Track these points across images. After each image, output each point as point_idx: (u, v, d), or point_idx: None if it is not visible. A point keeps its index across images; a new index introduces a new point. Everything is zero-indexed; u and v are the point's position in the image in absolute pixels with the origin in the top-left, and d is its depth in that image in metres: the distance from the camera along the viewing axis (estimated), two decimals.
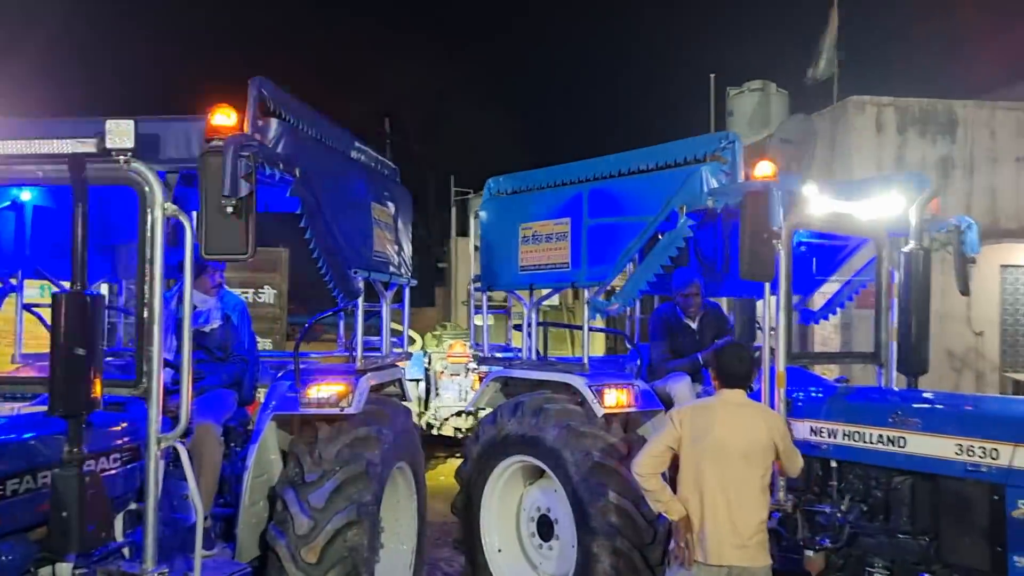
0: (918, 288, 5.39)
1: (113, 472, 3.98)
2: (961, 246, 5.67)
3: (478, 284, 6.79)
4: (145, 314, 3.76)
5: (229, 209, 3.46)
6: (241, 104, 3.88)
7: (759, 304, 5.84)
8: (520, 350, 6.66)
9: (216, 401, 5.03)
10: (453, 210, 23.87)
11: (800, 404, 5.19)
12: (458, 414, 12.49)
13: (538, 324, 6.49)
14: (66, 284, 3.69)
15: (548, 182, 6.21)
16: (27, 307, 5.34)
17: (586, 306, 5.86)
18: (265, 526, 4.84)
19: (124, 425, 4.11)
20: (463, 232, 21.97)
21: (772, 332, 5.02)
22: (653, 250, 5.25)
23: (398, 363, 6.16)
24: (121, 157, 3.60)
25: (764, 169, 4.65)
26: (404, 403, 6.11)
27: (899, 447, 4.68)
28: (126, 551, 4.04)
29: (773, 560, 4.32)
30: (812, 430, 5.09)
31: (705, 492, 4.18)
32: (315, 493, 4.69)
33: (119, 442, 4.06)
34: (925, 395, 5.31)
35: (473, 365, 11.01)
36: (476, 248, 6.91)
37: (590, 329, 5.98)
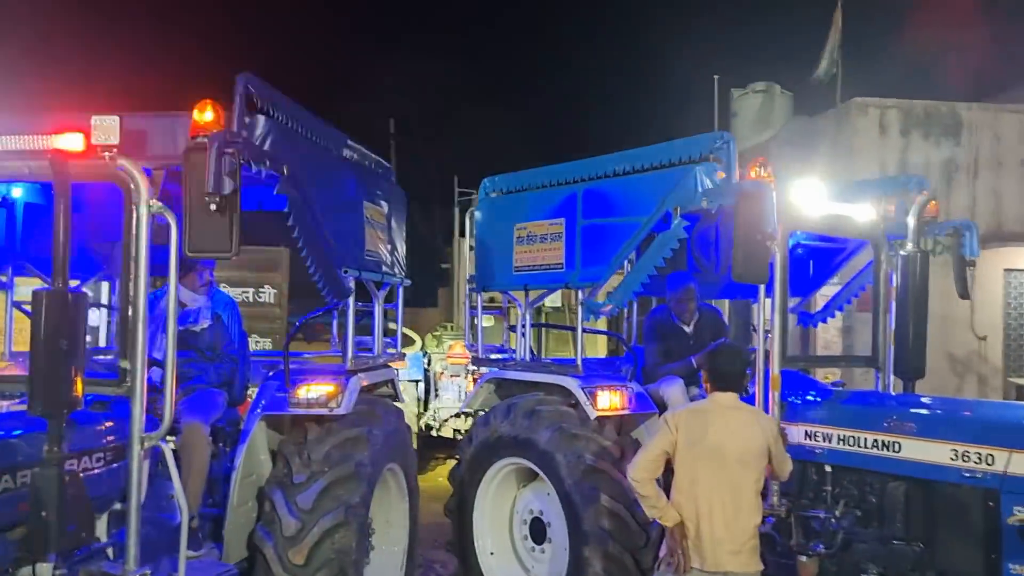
0: (916, 291, 5.33)
1: (96, 472, 3.94)
2: (960, 249, 5.61)
3: (473, 285, 6.76)
4: (130, 312, 3.73)
5: (213, 206, 3.43)
6: (231, 101, 3.85)
7: (754, 307, 5.78)
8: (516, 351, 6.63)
9: (205, 401, 4.99)
10: (456, 210, 23.85)
11: (795, 408, 5.14)
12: (458, 415, 12.44)
13: (532, 325, 6.44)
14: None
15: (543, 182, 6.16)
16: (17, 305, 5.31)
17: (580, 307, 5.81)
18: (253, 527, 4.81)
19: (109, 424, 4.08)
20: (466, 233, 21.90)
21: (767, 335, 4.97)
22: (647, 251, 5.21)
23: (391, 364, 6.12)
24: (107, 154, 3.57)
25: (758, 170, 4.60)
26: (397, 404, 6.07)
27: (894, 452, 4.63)
28: (110, 551, 4.01)
29: (766, 566, 4.28)
30: (807, 434, 5.03)
31: (701, 497, 4.14)
32: (303, 494, 4.66)
33: (103, 441, 4.02)
34: (921, 400, 5.25)
35: (473, 367, 10.98)
36: (471, 248, 6.87)
37: (584, 331, 5.93)
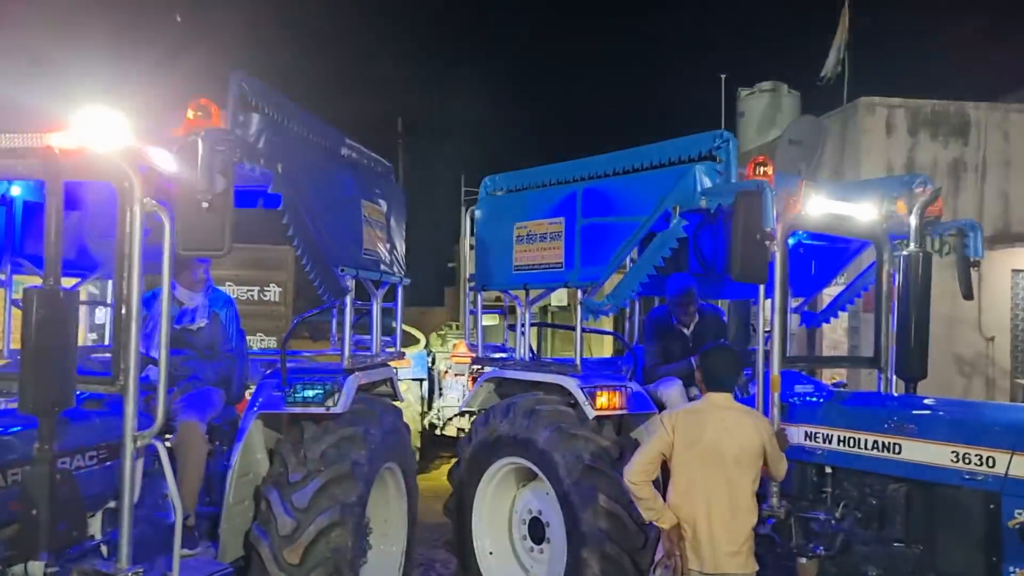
0: (918, 292, 5.28)
1: (89, 470, 3.94)
2: (964, 249, 5.56)
3: (473, 284, 6.74)
4: (123, 310, 3.72)
5: (205, 204, 3.42)
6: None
7: (754, 307, 5.75)
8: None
9: (202, 399, 4.98)
10: (463, 210, 23.80)
11: (795, 408, 5.10)
12: (462, 414, 12.44)
13: (532, 325, 6.42)
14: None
15: (543, 181, 6.14)
16: (15, 303, 5.31)
17: (579, 307, 5.78)
18: (249, 526, 4.80)
19: (102, 422, 4.07)
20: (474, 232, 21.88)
21: (767, 335, 4.93)
22: (646, 251, 5.18)
23: (390, 363, 6.10)
24: (100, 151, 3.56)
25: (758, 169, 4.57)
26: (396, 403, 6.05)
27: (894, 453, 4.58)
28: (104, 549, 4.00)
29: (765, 567, 4.25)
30: (807, 435, 4.98)
31: (699, 498, 4.11)
32: (299, 493, 4.65)
33: (96, 439, 4.01)
34: (922, 401, 5.20)
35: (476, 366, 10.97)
36: (472, 248, 6.86)
37: (583, 330, 5.90)
